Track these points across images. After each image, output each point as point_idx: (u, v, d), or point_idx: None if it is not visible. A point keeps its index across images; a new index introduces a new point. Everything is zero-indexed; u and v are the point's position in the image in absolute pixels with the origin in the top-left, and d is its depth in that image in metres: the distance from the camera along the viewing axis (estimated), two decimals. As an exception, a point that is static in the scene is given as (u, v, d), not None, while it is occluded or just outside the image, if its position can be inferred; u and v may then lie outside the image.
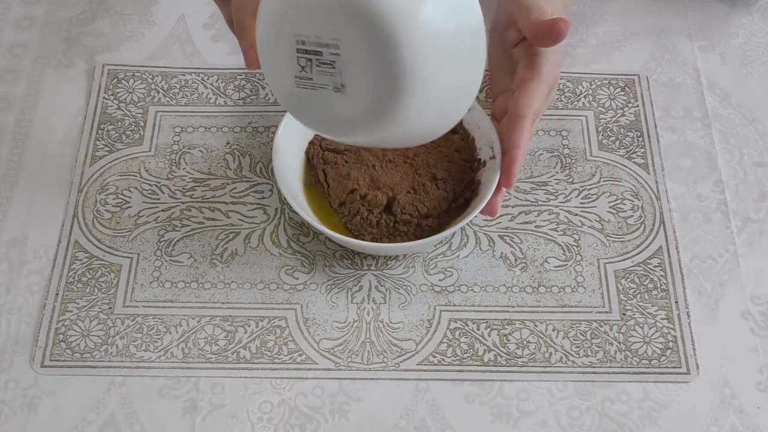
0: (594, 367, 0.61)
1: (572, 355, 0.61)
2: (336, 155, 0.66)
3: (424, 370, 0.61)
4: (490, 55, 0.69)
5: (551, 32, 0.59)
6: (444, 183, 0.65)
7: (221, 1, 0.64)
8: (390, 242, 0.63)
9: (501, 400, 0.60)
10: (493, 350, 0.61)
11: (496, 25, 0.67)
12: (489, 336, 0.62)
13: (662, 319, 0.63)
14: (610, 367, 0.61)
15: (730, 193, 0.68)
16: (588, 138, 0.71)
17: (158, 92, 0.73)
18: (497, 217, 0.66)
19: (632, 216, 0.67)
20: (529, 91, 0.61)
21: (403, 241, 0.63)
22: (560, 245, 0.66)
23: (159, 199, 0.68)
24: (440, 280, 0.64)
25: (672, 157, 0.70)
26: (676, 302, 0.63)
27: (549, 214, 0.67)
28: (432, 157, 0.66)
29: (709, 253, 0.66)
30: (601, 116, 0.72)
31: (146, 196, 0.68)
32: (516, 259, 0.65)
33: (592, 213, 0.67)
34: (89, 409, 0.59)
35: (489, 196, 0.61)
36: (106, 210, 0.67)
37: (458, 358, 0.61)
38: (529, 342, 0.62)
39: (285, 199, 0.62)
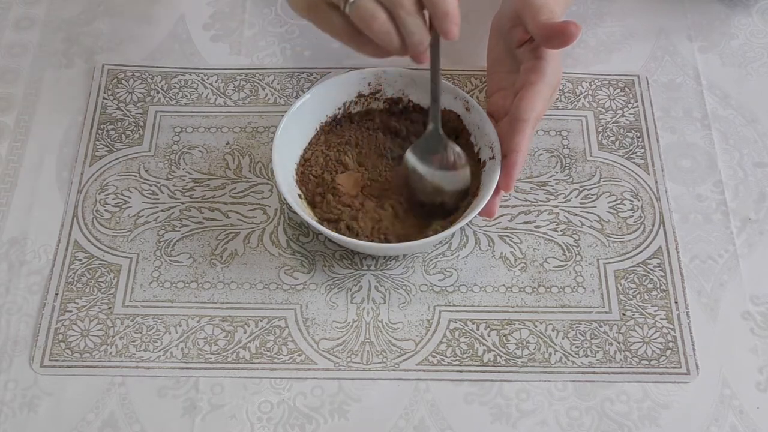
0: (594, 368, 0.61)
1: (572, 355, 0.61)
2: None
3: (424, 371, 0.61)
4: (490, 51, 0.69)
5: (562, 34, 0.59)
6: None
7: None
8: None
9: (500, 400, 0.59)
10: (493, 350, 0.61)
11: (500, 22, 0.67)
12: (488, 336, 0.62)
13: (662, 319, 0.63)
14: (609, 367, 0.61)
15: (729, 193, 0.68)
16: (588, 138, 0.71)
17: (158, 92, 0.73)
18: (496, 218, 0.66)
19: (632, 216, 0.67)
20: (532, 94, 0.61)
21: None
22: (560, 245, 0.66)
23: (159, 199, 0.68)
24: (440, 281, 0.64)
25: (672, 157, 0.70)
26: (676, 302, 0.63)
27: (549, 214, 0.67)
28: None
29: (709, 254, 0.66)
30: (601, 116, 0.72)
31: (146, 196, 0.68)
32: (516, 260, 0.65)
33: (591, 213, 0.67)
34: (89, 409, 0.59)
35: (488, 197, 0.61)
36: (105, 210, 0.67)
37: (458, 358, 0.61)
38: (528, 342, 0.62)
39: (284, 199, 0.62)
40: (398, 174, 0.65)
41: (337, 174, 0.66)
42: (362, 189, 0.65)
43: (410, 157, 0.64)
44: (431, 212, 0.64)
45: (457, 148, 0.63)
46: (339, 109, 0.68)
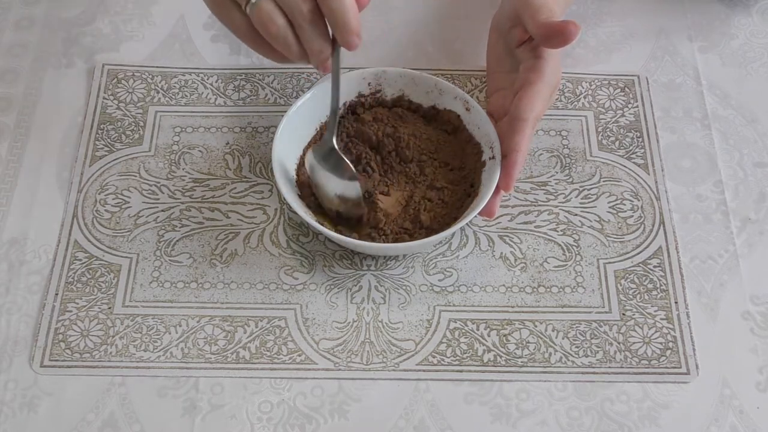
0: (593, 368, 0.61)
1: (572, 355, 0.61)
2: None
3: (424, 371, 0.61)
4: (489, 51, 0.69)
5: (561, 34, 0.59)
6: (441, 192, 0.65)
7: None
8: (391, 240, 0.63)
9: (500, 400, 0.59)
10: (493, 350, 0.61)
11: (500, 22, 0.67)
12: (488, 336, 0.62)
13: (662, 319, 0.63)
14: (609, 367, 0.61)
15: (729, 193, 0.68)
16: (588, 138, 0.71)
17: (158, 92, 0.73)
18: (496, 218, 0.66)
19: (632, 216, 0.67)
20: (532, 94, 0.61)
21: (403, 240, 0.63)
22: (560, 245, 0.66)
23: (159, 199, 0.68)
24: (440, 281, 0.64)
25: (672, 157, 0.70)
26: (676, 302, 0.63)
27: (549, 214, 0.67)
28: (431, 167, 0.66)
29: (709, 254, 0.66)
30: (601, 116, 0.72)
31: (146, 196, 0.68)
32: (516, 259, 0.65)
33: (591, 213, 0.67)
34: (89, 409, 0.59)
35: (488, 197, 0.61)
36: (105, 210, 0.67)
37: (458, 358, 0.61)
38: (528, 342, 0.62)
39: (284, 199, 0.62)
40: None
41: (379, 194, 0.65)
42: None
43: (310, 159, 0.63)
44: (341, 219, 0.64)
45: (348, 165, 0.62)
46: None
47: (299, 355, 0.61)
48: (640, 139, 0.71)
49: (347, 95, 0.68)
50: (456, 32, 0.77)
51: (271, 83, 0.73)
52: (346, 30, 0.54)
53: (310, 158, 0.64)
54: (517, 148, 0.61)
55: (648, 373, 0.60)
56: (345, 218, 0.64)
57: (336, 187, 0.63)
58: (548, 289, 0.64)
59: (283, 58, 0.58)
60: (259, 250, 0.65)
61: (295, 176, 0.65)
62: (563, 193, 0.68)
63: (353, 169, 0.62)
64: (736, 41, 0.77)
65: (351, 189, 0.63)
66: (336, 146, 0.62)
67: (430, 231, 0.63)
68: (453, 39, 0.77)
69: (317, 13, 0.54)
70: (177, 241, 0.66)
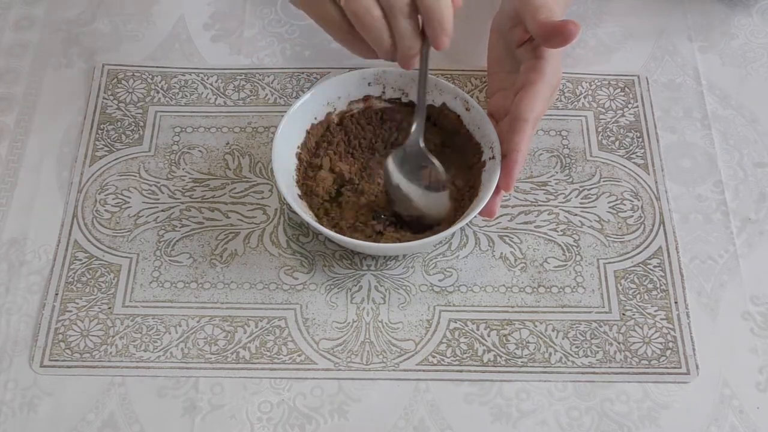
0: (593, 368, 0.61)
1: (572, 355, 0.61)
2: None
3: (424, 371, 0.61)
4: (490, 51, 0.69)
5: (561, 33, 0.59)
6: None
7: None
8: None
9: (500, 400, 0.59)
10: (493, 350, 0.61)
11: (500, 22, 0.67)
12: (488, 336, 0.62)
13: (662, 319, 0.63)
14: (609, 367, 0.61)
15: (729, 193, 0.68)
16: (588, 138, 0.71)
17: (158, 92, 0.73)
18: (496, 218, 0.66)
19: (632, 216, 0.67)
20: (532, 94, 0.61)
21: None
22: (560, 245, 0.66)
23: (158, 199, 0.68)
24: (440, 281, 0.64)
25: (672, 157, 0.70)
26: (676, 302, 0.63)
27: (549, 214, 0.67)
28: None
29: (709, 254, 0.66)
30: (601, 116, 0.72)
31: (146, 196, 0.68)
32: (516, 260, 0.65)
33: (591, 213, 0.67)
34: (88, 409, 0.59)
35: (488, 197, 0.61)
36: (105, 210, 0.67)
37: (458, 358, 0.61)
38: (528, 342, 0.62)
39: (284, 199, 0.62)
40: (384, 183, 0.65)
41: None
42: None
43: (391, 167, 0.63)
44: (410, 225, 0.64)
45: (439, 167, 0.62)
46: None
47: (299, 355, 0.61)
48: (640, 139, 0.71)
49: (347, 95, 0.68)
50: (456, 32, 0.77)
51: (271, 83, 0.73)
52: (440, 29, 0.55)
53: (392, 166, 0.63)
54: (518, 148, 0.61)
55: (648, 373, 0.60)
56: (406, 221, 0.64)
57: (419, 193, 0.63)
58: (548, 289, 0.64)
59: (369, 53, 0.58)
60: (259, 250, 0.65)
61: (295, 176, 0.65)
62: (563, 193, 0.68)
63: (442, 174, 0.62)
64: (736, 41, 0.77)
65: (438, 199, 0.63)
66: (423, 146, 0.62)
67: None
68: (453, 39, 0.76)
69: (414, 8, 0.55)
70: (177, 241, 0.66)
